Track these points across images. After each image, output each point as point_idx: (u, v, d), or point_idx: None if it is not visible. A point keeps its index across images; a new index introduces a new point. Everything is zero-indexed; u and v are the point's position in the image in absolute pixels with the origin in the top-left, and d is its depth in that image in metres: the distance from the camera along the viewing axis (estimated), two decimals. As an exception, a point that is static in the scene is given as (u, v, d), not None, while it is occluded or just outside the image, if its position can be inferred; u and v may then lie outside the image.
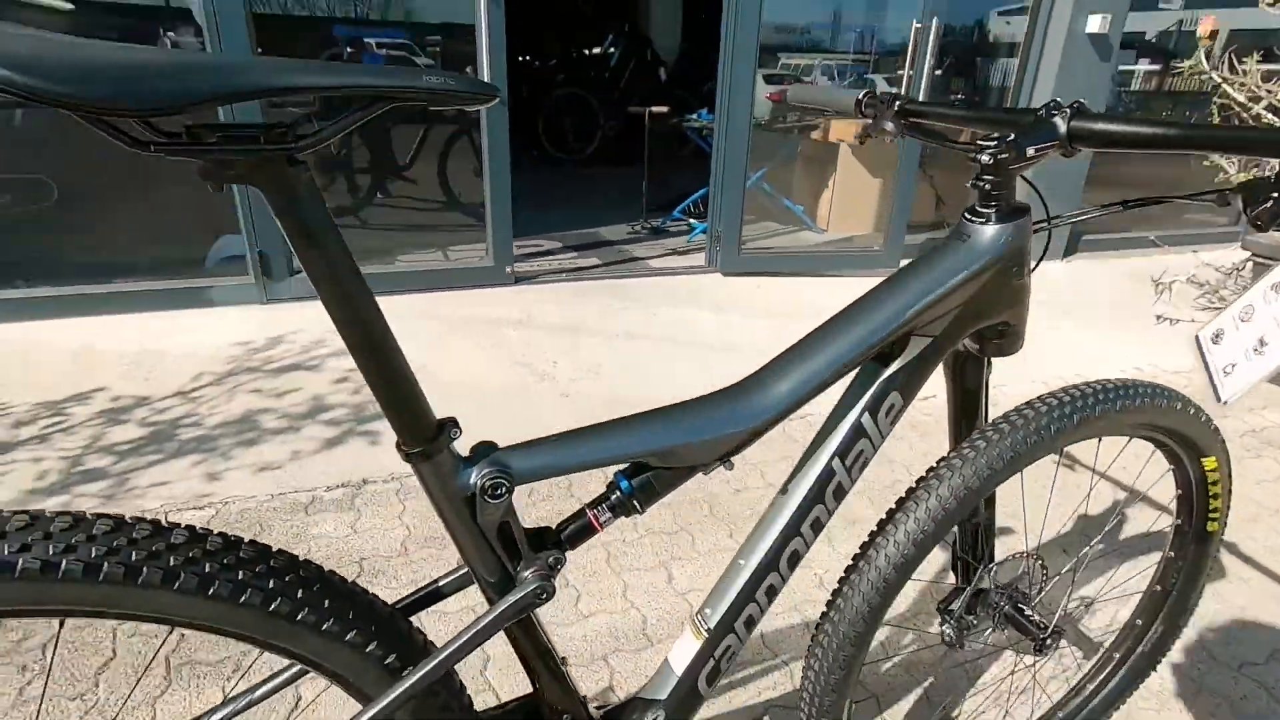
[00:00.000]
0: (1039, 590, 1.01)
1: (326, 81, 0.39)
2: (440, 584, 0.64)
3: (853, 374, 0.69)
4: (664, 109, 4.43)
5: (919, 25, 3.23)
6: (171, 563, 0.47)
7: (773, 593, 0.72)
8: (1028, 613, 0.99)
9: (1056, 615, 1.00)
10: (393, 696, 0.54)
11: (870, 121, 0.82)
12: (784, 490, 0.71)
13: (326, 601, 0.53)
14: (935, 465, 0.79)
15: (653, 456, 0.61)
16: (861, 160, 4.14)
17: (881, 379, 0.68)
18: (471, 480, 0.55)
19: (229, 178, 0.40)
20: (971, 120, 0.71)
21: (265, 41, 2.69)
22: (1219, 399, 0.85)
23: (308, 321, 2.75)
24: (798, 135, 4.22)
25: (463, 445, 0.55)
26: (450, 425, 0.54)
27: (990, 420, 0.80)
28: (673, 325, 2.95)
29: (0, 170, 2.67)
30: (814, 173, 4.27)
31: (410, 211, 3.38)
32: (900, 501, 0.79)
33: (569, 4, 7.57)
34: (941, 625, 0.99)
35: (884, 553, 0.77)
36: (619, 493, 0.62)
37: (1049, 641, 0.98)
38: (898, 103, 0.77)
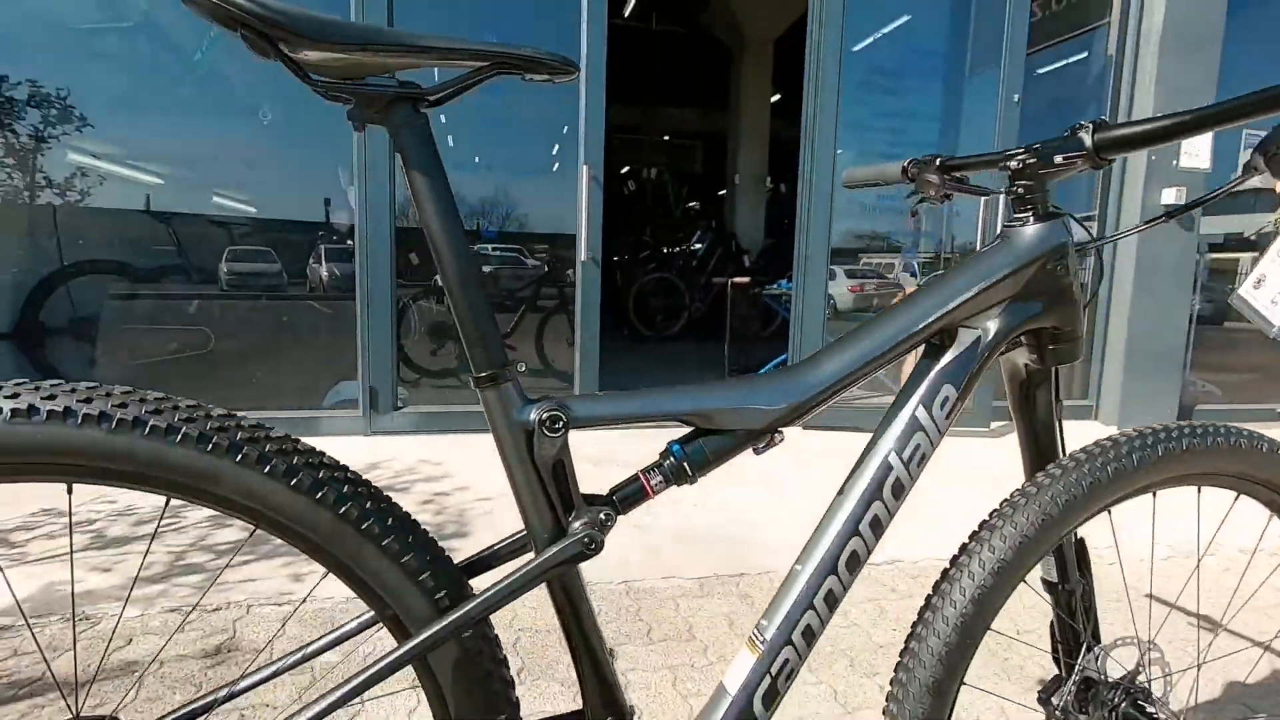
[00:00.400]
0: (1164, 684, 0.87)
1: (444, 45, 0.52)
2: (497, 548, 0.66)
3: (907, 371, 0.71)
4: (745, 280, 4.73)
5: (986, 200, 3.42)
6: (267, 449, 0.54)
7: (833, 600, 0.68)
8: (1153, 711, 0.85)
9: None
10: (434, 630, 0.55)
11: (914, 185, 0.90)
12: (841, 491, 0.71)
13: (391, 520, 0.57)
14: (1009, 496, 0.76)
15: (702, 417, 0.63)
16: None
17: (934, 372, 0.69)
18: (531, 416, 0.60)
19: (369, 117, 0.53)
20: (1008, 156, 0.78)
21: (405, 246, 3.26)
22: (1272, 330, 0.79)
23: (401, 452, 2.92)
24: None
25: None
26: (515, 365, 0.60)
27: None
28: (751, 469, 2.92)
29: (174, 323, 3.21)
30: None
31: (524, 355, 3.71)
32: (973, 534, 0.75)
33: (662, 205, 8.51)
34: (1047, 720, 0.87)
35: (960, 587, 0.72)
36: (672, 458, 0.64)
37: None
38: (938, 159, 0.86)
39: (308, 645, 0.62)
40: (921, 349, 0.71)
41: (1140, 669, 0.86)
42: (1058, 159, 0.68)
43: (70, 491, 0.53)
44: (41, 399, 0.48)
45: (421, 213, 0.56)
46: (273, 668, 0.60)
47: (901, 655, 0.74)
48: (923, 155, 0.86)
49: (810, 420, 0.67)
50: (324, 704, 0.52)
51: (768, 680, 0.67)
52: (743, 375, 0.67)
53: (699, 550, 2.15)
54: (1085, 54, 4.01)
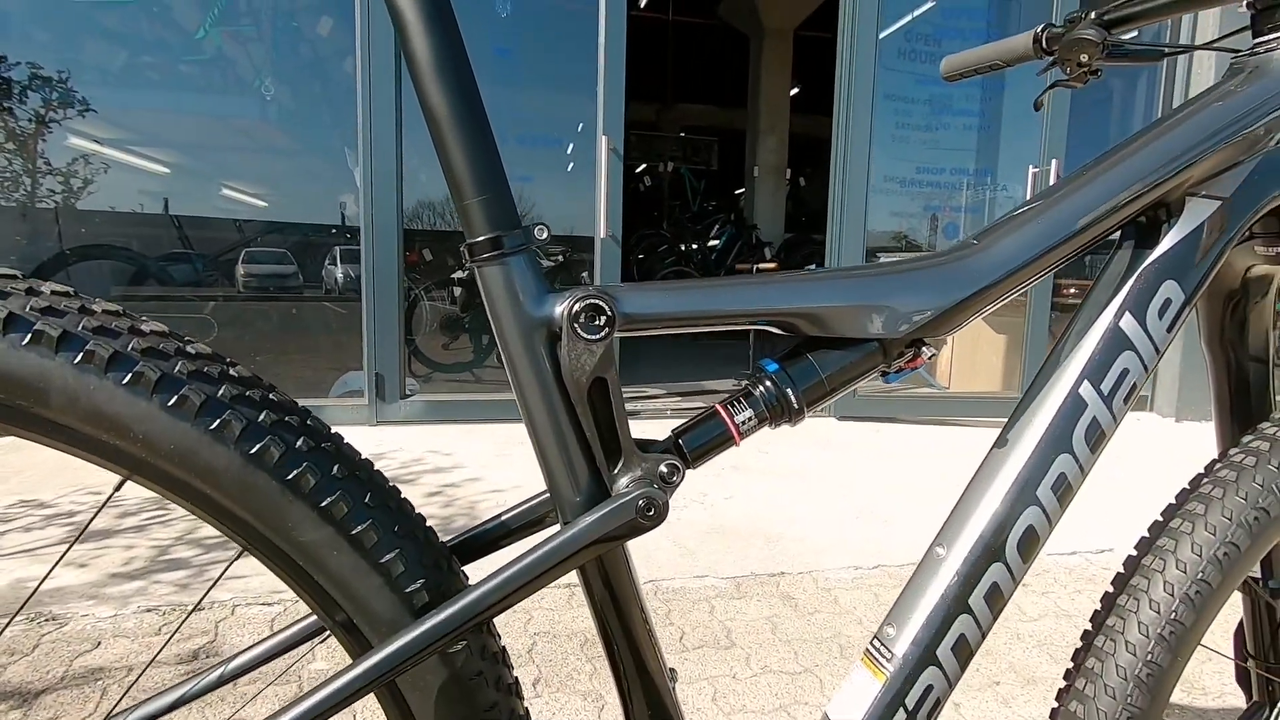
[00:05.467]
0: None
1: None
2: (504, 518, 0.45)
3: (1111, 259, 0.49)
4: (771, 266, 4.52)
5: (1035, 170, 3.19)
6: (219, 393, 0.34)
7: (997, 598, 0.47)
8: None
9: None
10: (406, 639, 0.35)
11: (1054, 59, 0.69)
12: (1002, 441, 0.49)
13: (337, 471, 0.37)
14: (1198, 477, 0.54)
15: (812, 320, 0.43)
16: (984, 319, 3.96)
17: (1149, 261, 0.48)
18: (558, 310, 0.39)
19: None
20: None
21: (423, 243, 3.15)
22: None
23: (407, 442, 2.75)
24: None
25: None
26: (536, 228, 0.40)
27: None
28: (784, 461, 2.71)
29: (180, 313, 3.08)
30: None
31: None
32: (1154, 526, 0.53)
33: (680, 199, 8.31)
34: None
35: (1161, 581, 0.51)
36: (769, 383, 0.43)
37: None
38: (1092, 12, 0.64)
39: (229, 660, 0.42)
40: (1120, 234, 0.50)
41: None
42: None
43: None
44: None
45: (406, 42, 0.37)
46: (175, 694, 0.40)
47: (1070, 678, 0.53)
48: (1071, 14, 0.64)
49: (961, 328, 0.45)
50: None
51: (902, 714, 0.46)
52: (864, 265, 0.46)
53: (733, 547, 1.94)
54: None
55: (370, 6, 2.80)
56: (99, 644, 1.36)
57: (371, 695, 0.36)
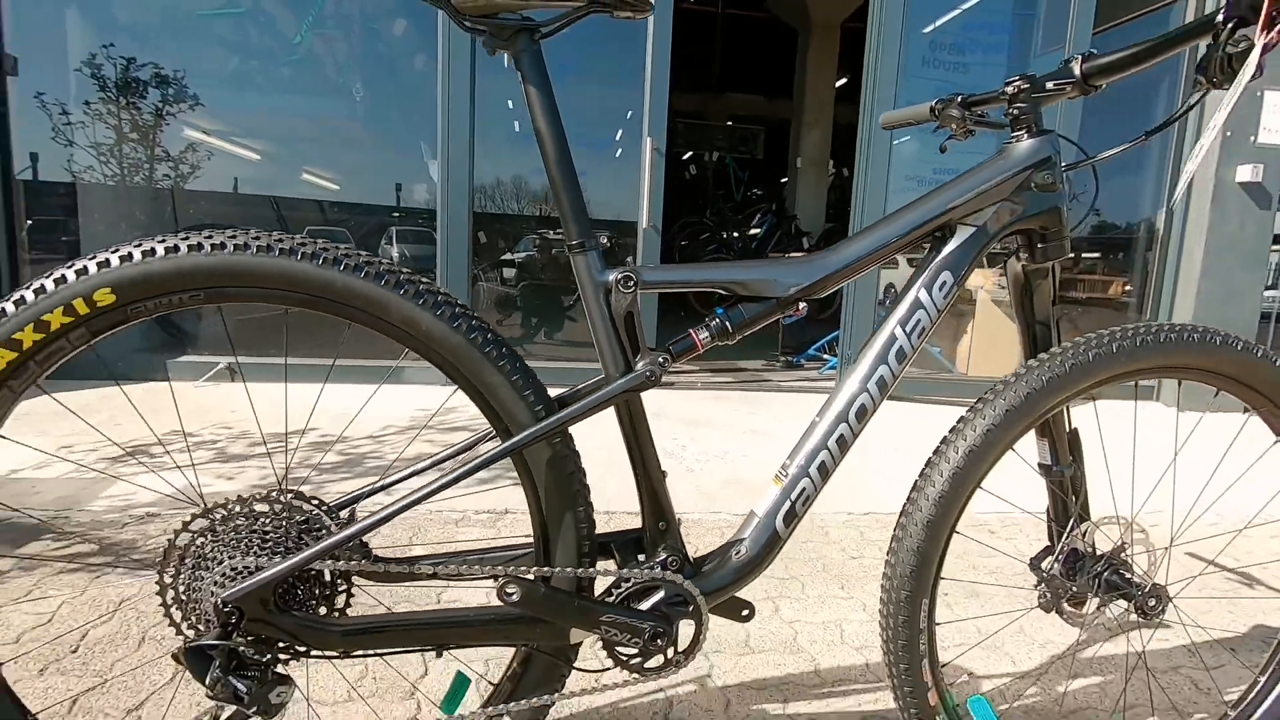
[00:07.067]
0: (1147, 559, 0.99)
1: None
2: (579, 388, 0.84)
3: (922, 257, 0.86)
4: (799, 255, 4.81)
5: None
6: (420, 287, 0.74)
7: (843, 443, 0.85)
8: (1134, 579, 0.98)
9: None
10: (534, 430, 0.74)
11: (940, 122, 1.04)
12: (854, 361, 0.87)
13: (504, 349, 0.77)
14: (1005, 377, 0.90)
15: (741, 286, 0.81)
16: (1002, 307, 4.20)
17: (936, 260, 0.85)
18: (610, 277, 0.78)
19: (498, 45, 0.72)
20: (1006, 84, 0.91)
21: (480, 227, 3.56)
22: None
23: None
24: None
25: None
26: (600, 236, 0.79)
27: None
28: (798, 429, 3.05)
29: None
30: (951, 317, 4.36)
31: (574, 331, 3.93)
32: (971, 406, 0.89)
33: (723, 188, 8.61)
34: (1036, 586, 1.00)
35: (954, 446, 0.87)
36: (717, 319, 0.81)
37: (1154, 605, 0.95)
38: (959, 96, 0.99)
39: (429, 457, 0.82)
40: (928, 245, 0.86)
41: (1124, 545, 0.99)
42: (1050, 85, 0.82)
43: (286, 314, 0.74)
44: (274, 242, 0.69)
45: (534, 118, 0.75)
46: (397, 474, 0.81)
47: (902, 509, 0.89)
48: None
49: (827, 292, 0.83)
50: (437, 483, 0.72)
51: (788, 504, 0.84)
52: (777, 257, 0.84)
53: (746, 493, 2.32)
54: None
55: (449, 20, 3.22)
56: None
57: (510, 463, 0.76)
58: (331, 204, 3.73)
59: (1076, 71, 0.81)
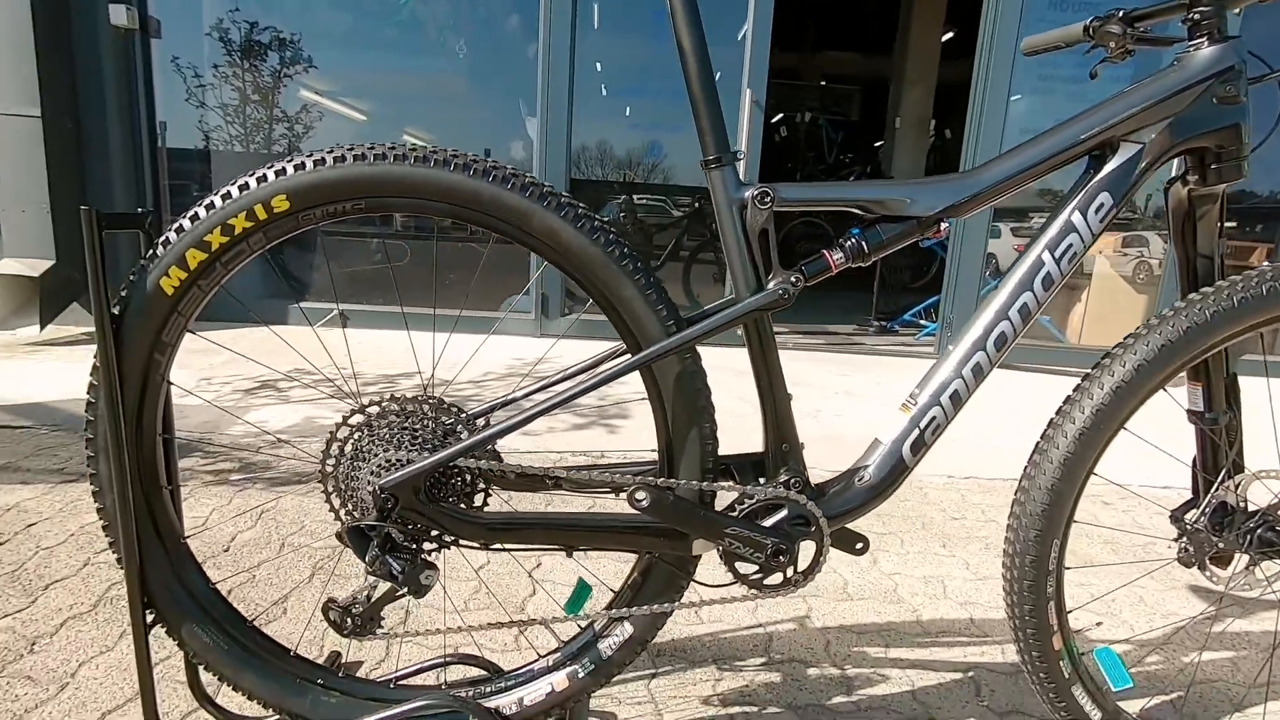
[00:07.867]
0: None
1: None
2: (706, 308, 0.85)
3: (1078, 177, 0.81)
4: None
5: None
6: (562, 200, 0.76)
7: (979, 372, 0.82)
8: None
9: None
10: (664, 343, 0.76)
11: (1095, 40, 0.96)
12: (997, 285, 0.83)
13: (640, 263, 0.78)
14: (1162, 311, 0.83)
15: (880, 205, 0.78)
16: (1120, 273, 3.91)
17: (1094, 180, 0.79)
18: (746, 193, 0.77)
19: None
20: None
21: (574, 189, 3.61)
22: None
23: (566, 350, 3.26)
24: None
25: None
26: (736, 152, 0.78)
27: None
28: (896, 392, 2.97)
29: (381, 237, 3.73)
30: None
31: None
32: (1120, 342, 0.84)
33: (815, 150, 8.32)
34: (1177, 539, 0.95)
35: (1099, 383, 0.82)
36: (852, 239, 0.80)
37: None
38: (1121, 11, 0.91)
39: (561, 371, 0.85)
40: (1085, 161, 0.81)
41: (1281, 501, 0.92)
42: None
43: (435, 226, 0.78)
44: (429, 154, 0.73)
45: (677, 32, 0.75)
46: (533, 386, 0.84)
47: (1036, 445, 0.86)
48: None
49: (972, 213, 0.79)
50: (569, 392, 0.75)
51: (916, 432, 0.82)
52: (918, 177, 0.81)
53: (840, 449, 2.28)
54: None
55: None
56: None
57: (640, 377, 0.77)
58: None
59: None
